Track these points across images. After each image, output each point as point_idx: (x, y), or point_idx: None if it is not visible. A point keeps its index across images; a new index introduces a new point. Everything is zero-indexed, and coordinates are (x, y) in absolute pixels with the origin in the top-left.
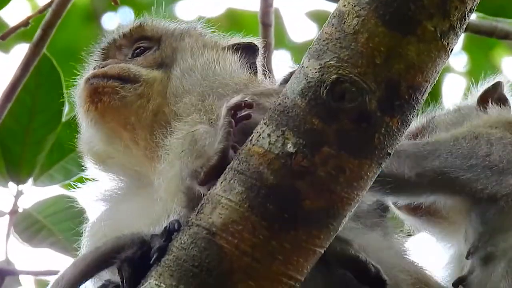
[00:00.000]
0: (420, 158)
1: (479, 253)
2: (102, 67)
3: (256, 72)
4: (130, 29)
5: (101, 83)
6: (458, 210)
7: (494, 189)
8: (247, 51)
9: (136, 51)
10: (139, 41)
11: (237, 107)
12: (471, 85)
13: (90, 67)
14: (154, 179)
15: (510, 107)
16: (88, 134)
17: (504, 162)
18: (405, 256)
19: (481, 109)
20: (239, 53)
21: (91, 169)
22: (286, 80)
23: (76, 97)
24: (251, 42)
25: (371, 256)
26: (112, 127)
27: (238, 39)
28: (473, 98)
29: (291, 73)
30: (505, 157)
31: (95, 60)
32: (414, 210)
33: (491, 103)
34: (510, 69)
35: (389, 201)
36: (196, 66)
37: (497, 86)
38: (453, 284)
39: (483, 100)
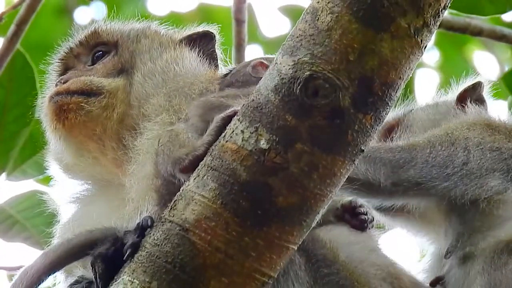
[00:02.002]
0: (396, 167)
1: (457, 252)
2: (63, 82)
3: (217, 60)
4: (85, 37)
5: (65, 100)
6: (436, 210)
7: (474, 193)
8: (204, 40)
9: (95, 57)
10: (96, 47)
11: (233, 116)
12: (451, 81)
13: (51, 80)
14: (125, 181)
15: (486, 107)
16: (57, 148)
17: (483, 170)
18: (374, 250)
19: (459, 107)
20: (197, 43)
21: (61, 175)
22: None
23: (42, 115)
24: (207, 31)
25: (340, 250)
26: (80, 141)
27: (192, 29)
28: (452, 95)
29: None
30: (483, 164)
31: (55, 71)
32: (388, 209)
33: (470, 102)
34: (481, 64)
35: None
36: (156, 69)
37: (477, 86)
38: (431, 284)
39: (461, 99)
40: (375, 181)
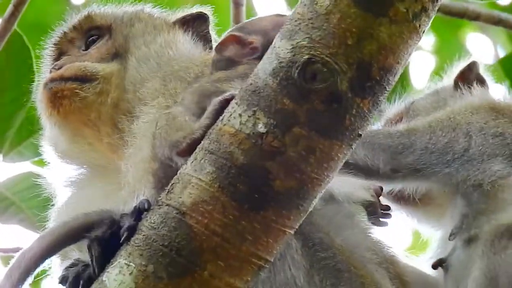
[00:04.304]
0: (395, 153)
1: (462, 234)
2: (58, 68)
3: (211, 41)
4: (78, 21)
5: (59, 87)
6: (441, 191)
7: (477, 178)
8: (198, 21)
9: (89, 41)
10: (89, 31)
11: (230, 99)
12: (445, 66)
13: (45, 65)
14: (121, 165)
15: (488, 87)
16: (52, 134)
17: (485, 156)
18: (370, 235)
19: (459, 90)
20: (191, 25)
21: (56, 160)
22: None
23: (37, 102)
24: (200, 12)
25: (336, 234)
26: (74, 127)
27: (186, 11)
28: (449, 80)
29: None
30: (485, 150)
31: (49, 56)
32: (400, 199)
33: (472, 83)
34: (476, 47)
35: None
36: (151, 53)
37: (472, 66)
38: (432, 266)
39: (460, 81)
40: (374, 166)
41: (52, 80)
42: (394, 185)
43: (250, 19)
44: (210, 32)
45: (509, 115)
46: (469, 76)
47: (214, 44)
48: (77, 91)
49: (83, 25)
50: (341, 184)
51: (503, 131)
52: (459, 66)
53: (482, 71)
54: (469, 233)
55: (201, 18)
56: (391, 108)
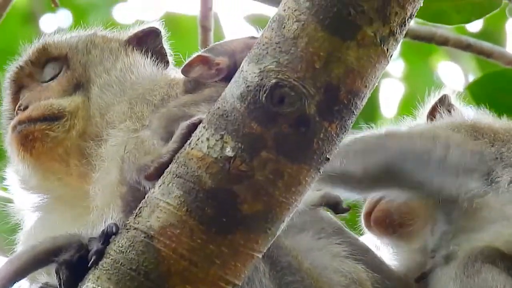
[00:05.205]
0: (372, 156)
1: (441, 251)
2: (23, 109)
3: (166, 55)
4: (34, 54)
5: (29, 129)
6: (424, 207)
7: (451, 191)
8: (150, 37)
9: (47, 73)
10: (47, 63)
11: (198, 123)
12: (416, 101)
13: (5, 101)
14: (89, 189)
15: (460, 115)
16: (23, 173)
17: (460, 170)
18: (337, 256)
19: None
20: (144, 41)
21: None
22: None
23: (6, 145)
24: (152, 27)
25: (303, 257)
26: (46, 166)
27: (137, 28)
28: (423, 118)
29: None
30: (462, 164)
31: (9, 90)
32: (386, 229)
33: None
34: (447, 75)
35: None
36: (112, 79)
37: (443, 99)
38: (415, 279)
39: (432, 116)
40: (349, 172)
41: (21, 122)
42: (371, 192)
43: (222, 41)
44: (164, 46)
45: (489, 135)
46: (441, 110)
47: (169, 58)
48: (47, 132)
49: (39, 57)
50: None
51: (482, 150)
52: (431, 101)
53: (454, 101)
54: (448, 251)
55: (153, 33)
56: None
